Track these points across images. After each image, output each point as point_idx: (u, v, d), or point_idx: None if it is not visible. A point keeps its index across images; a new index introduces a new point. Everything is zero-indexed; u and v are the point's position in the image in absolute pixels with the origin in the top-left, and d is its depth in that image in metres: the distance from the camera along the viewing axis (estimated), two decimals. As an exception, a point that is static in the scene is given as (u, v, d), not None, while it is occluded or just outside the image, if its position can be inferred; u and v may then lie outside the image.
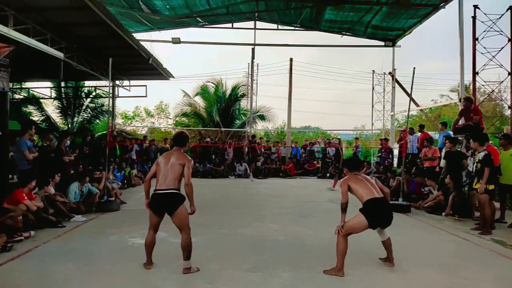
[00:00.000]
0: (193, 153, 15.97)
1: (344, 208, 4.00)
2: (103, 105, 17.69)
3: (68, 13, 7.98)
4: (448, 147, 7.71)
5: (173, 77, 14.83)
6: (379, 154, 13.59)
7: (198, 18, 16.28)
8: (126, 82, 14.94)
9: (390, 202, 8.27)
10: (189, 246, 3.88)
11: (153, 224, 3.99)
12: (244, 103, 20.57)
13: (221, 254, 4.59)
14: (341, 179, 4.25)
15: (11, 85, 13.40)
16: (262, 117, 20.64)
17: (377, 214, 3.88)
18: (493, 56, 11.23)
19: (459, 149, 8.21)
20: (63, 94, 17.34)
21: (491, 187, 5.91)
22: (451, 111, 22.72)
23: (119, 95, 15.73)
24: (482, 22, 11.24)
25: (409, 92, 9.09)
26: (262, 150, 15.39)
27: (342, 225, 3.92)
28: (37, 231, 5.38)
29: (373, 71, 18.86)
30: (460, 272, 4.09)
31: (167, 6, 14.40)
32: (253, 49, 17.21)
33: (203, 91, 20.97)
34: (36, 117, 17.04)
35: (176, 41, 16.14)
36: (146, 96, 15.27)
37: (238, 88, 20.37)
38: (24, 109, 16.76)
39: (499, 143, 6.92)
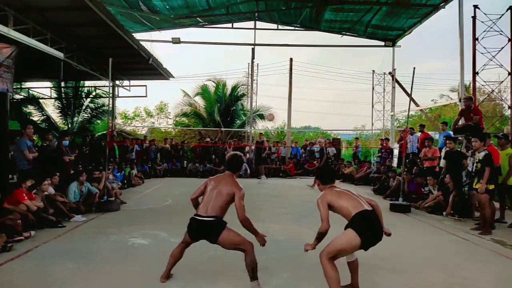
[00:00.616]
0: (193, 153, 15.97)
1: (320, 237, 3.21)
2: (103, 105, 17.69)
3: (68, 13, 7.97)
4: (451, 147, 7.70)
5: (173, 77, 14.83)
6: (379, 154, 13.59)
7: (198, 18, 16.28)
8: (126, 82, 14.94)
9: (390, 202, 8.27)
10: (252, 263, 3.42)
11: (185, 241, 3.71)
12: (244, 103, 20.59)
13: (221, 254, 4.58)
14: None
15: (11, 85, 13.41)
16: (261, 117, 20.65)
17: (371, 231, 3.09)
18: (493, 56, 11.22)
19: (459, 149, 8.22)
20: (63, 94, 17.35)
21: (491, 187, 5.91)
22: (451, 111, 22.72)
23: (119, 95, 15.74)
24: (482, 22, 11.24)
25: (409, 92, 9.09)
26: (267, 150, 15.28)
27: (311, 249, 3.30)
28: (37, 231, 5.38)
29: (373, 71, 18.87)
30: (460, 272, 4.09)
31: (167, 6, 14.40)
32: (253, 49, 17.21)
33: (203, 91, 20.99)
34: (36, 117, 17.06)
35: (176, 41, 16.14)
36: (146, 96, 15.28)
37: (238, 87, 20.39)
38: (24, 109, 16.76)
39: (498, 143, 6.91)
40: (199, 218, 3.49)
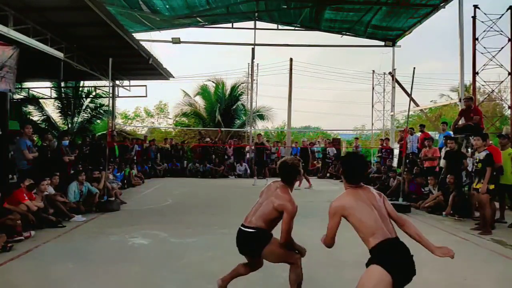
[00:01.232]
0: (193, 153, 15.98)
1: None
2: (103, 105, 17.70)
3: (68, 13, 7.97)
4: (452, 147, 7.70)
5: (173, 77, 14.83)
6: (379, 154, 13.59)
7: (198, 18, 16.28)
8: (126, 82, 14.94)
9: (390, 202, 8.30)
10: (298, 278, 3.03)
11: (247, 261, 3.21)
12: (244, 103, 20.59)
13: (221, 254, 4.58)
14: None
15: (11, 85, 13.41)
16: (261, 117, 20.65)
17: (402, 267, 2.38)
18: (493, 56, 11.22)
19: (460, 145, 8.21)
20: (63, 94, 17.34)
21: (491, 186, 5.91)
22: (451, 111, 22.72)
23: (119, 95, 15.74)
24: (482, 22, 11.23)
25: (409, 92, 9.10)
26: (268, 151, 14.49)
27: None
28: (37, 231, 5.38)
29: (373, 71, 18.87)
30: (460, 272, 4.08)
31: (167, 6, 14.39)
32: (253, 49, 17.21)
33: (203, 91, 20.99)
34: (36, 117, 17.05)
35: (176, 41, 16.14)
36: (146, 96, 15.28)
37: (238, 87, 20.39)
38: (24, 109, 16.76)
39: (500, 142, 6.90)
40: (243, 228, 3.10)
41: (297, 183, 3.42)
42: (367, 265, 2.40)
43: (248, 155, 15.86)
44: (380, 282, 2.25)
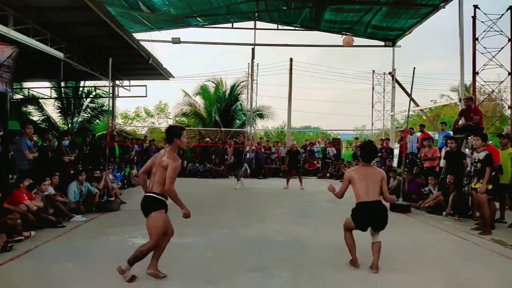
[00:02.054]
0: (193, 153, 15.97)
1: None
2: (103, 105, 17.69)
3: (68, 13, 7.97)
4: (452, 147, 7.70)
5: (173, 77, 14.82)
6: (379, 154, 13.57)
7: (198, 18, 16.27)
8: (126, 82, 14.94)
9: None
10: (140, 254, 3.53)
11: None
12: (244, 103, 20.59)
13: (221, 254, 4.59)
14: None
15: (11, 85, 13.41)
16: (261, 116, 20.64)
17: (363, 219, 3.92)
18: (493, 56, 11.22)
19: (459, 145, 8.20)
20: (63, 94, 17.34)
21: (489, 186, 5.92)
22: (451, 111, 22.72)
23: (119, 95, 15.74)
24: (482, 22, 11.23)
25: (409, 92, 9.10)
26: (247, 151, 13.37)
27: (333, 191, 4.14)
28: (37, 231, 5.38)
29: (373, 71, 18.91)
30: (460, 272, 4.09)
31: (167, 6, 14.39)
32: (253, 49, 17.20)
33: (203, 91, 20.99)
34: (36, 117, 17.03)
35: (176, 41, 16.12)
36: (146, 96, 15.28)
37: (237, 86, 20.38)
38: (24, 109, 16.76)
39: (501, 142, 6.91)
40: (145, 194, 3.63)
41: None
42: (351, 211, 4.07)
43: (248, 155, 15.87)
44: (349, 223, 4.05)
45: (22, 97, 16.15)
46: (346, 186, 4.02)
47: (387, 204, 4.25)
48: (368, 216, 3.90)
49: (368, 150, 4.06)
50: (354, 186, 3.95)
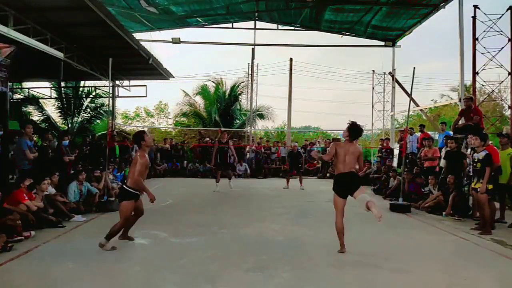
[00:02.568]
0: (193, 153, 15.97)
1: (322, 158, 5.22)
2: (103, 105, 17.70)
3: (68, 13, 7.97)
4: (452, 147, 7.70)
5: (173, 77, 14.82)
6: (380, 154, 13.58)
7: (198, 18, 16.27)
8: (126, 82, 14.94)
9: (390, 202, 8.39)
10: (114, 231, 4.67)
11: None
12: (244, 103, 20.60)
13: (221, 254, 4.59)
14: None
15: (10, 85, 13.42)
16: (261, 116, 20.64)
17: (341, 186, 4.63)
18: (493, 56, 11.21)
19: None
20: (63, 94, 17.34)
21: (490, 186, 5.92)
22: (451, 111, 22.72)
23: (119, 95, 15.74)
24: (482, 22, 11.23)
25: (409, 92, 9.10)
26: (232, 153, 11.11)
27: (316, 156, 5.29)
28: (37, 231, 5.38)
29: (373, 71, 18.86)
30: (460, 272, 4.09)
31: (167, 6, 14.38)
32: (253, 49, 17.21)
33: (203, 91, 20.99)
34: (36, 117, 17.05)
35: (176, 41, 16.13)
36: (146, 96, 15.28)
37: (237, 86, 20.38)
38: (24, 109, 16.76)
39: (500, 142, 6.90)
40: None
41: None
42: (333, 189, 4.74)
43: (248, 155, 15.86)
44: (334, 198, 4.71)
45: (22, 97, 16.15)
46: (333, 152, 4.68)
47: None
48: (343, 183, 4.62)
49: (354, 130, 4.74)
50: (336, 158, 4.66)
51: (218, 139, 10.96)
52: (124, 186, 4.69)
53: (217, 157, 10.35)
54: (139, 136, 4.84)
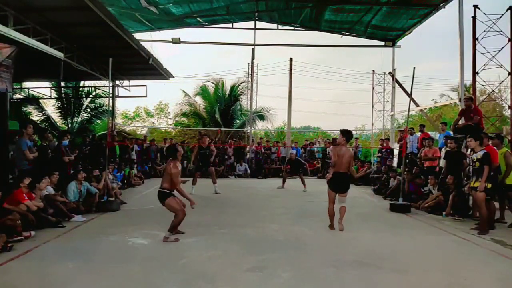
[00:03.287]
0: (192, 153, 15.94)
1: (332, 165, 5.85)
2: (103, 105, 17.70)
3: (68, 13, 7.97)
4: (452, 147, 7.70)
5: (173, 77, 14.81)
6: (380, 154, 13.58)
7: (198, 18, 16.27)
8: (126, 82, 14.93)
9: (390, 202, 8.42)
10: (176, 223, 5.17)
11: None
12: (244, 103, 20.60)
13: (221, 254, 4.59)
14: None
15: (11, 85, 13.41)
16: (261, 117, 20.64)
17: (335, 184, 5.78)
18: (493, 56, 11.21)
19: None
20: (63, 94, 17.34)
21: (489, 185, 5.92)
22: (451, 111, 22.73)
23: (119, 95, 15.73)
24: (482, 22, 11.23)
25: (409, 92, 9.10)
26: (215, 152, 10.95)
27: (328, 176, 5.92)
28: (37, 231, 5.38)
29: (373, 71, 18.87)
30: (460, 272, 4.09)
31: (167, 7, 14.37)
32: (253, 49, 17.22)
33: (202, 91, 21.00)
34: (36, 117, 17.05)
35: (176, 41, 16.12)
36: (146, 96, 15.27)
37: (237, 87, 20.38)
38: (24, 109, 16.77)
39: (492, 143, 6.90)
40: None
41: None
42: (327, 183, 5.88)
43: (248, 155, 15.86)
44: (328, 190, 5.87)
45: (22, 97, 16.15)
46: (336, 154, 5.72)
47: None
48: (337, 181, 5.77)
49: (348, 136, 5.88)
50: (333, 159, 5.72)
51: (199, 143, 10.59)
52: (160, 189, 5.20)
53: (199, 160, 10.17)
54: (174, 149, 5.51)
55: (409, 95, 9.44)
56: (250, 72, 17.93)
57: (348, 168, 5.77)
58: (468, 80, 13.23)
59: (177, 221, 5.12)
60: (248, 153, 15.99)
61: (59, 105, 17.30)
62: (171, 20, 15.67)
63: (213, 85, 20.87)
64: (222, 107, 19.90)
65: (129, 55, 11.03)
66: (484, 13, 11.20)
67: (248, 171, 14.70)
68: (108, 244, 5.02)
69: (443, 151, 8.44)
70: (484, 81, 11.69)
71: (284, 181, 11.55)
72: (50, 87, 16.56)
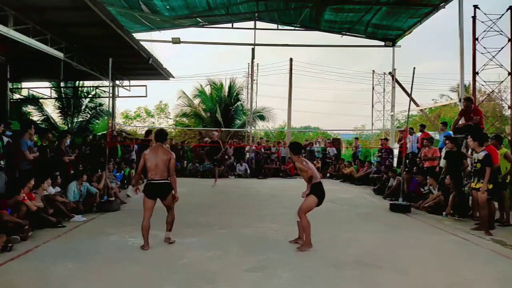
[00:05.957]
0: (193, 153, 15.97)
1: (310, 182, 4.85)
2: (102, 105, 17.70)
3: (68, 13, 7.98)
4: (449, 147, 7.70)
5: (173, 77, 14.83)
6: (379, 154, 13.58)
7: (198, 18, 16.27)
8: (126, 82, 14.94)
9: (390, 202, 8.41)
10: (172, 221, 5.10)
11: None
12: (244, 103, 20.60)
13: (221, 254, 4.59)
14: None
15: (10, 85, 13.43)
16: (261, 117, 20.65)
17: (323, 195, 4.90)
18: (493, 56, 11.21)
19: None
20: (63, 94, 17.35)
21: (490, 186, 5.92)
22: (451, 111, 22.72)
23: (119, 95, 15.74)
24: (482, 22, 11.22)
25: (409, 92, 9.10)
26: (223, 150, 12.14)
27: (307, 193, 4.83)
28: (37, 231, 5.38)
29: (373, 71, 18.89)
30: (460, 272, 4.09)
31: (167, 7, 14.38)
32: (253, 49, 17.22)
33: (202, 92, 21.02)
34: (36, 117, 17.06)
35: (176, 41, 16.12)
36: (146, 96, 15.29)
37: (236, 86, 20.40)
38: (24, 109, 16.77)
39: (491, 143, 6.90)
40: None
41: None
42: (309, 194, 4.81)
43: (248, 155, 15.86)
44: (313, 202, 4.79)
45: (22, 97, 16.15)
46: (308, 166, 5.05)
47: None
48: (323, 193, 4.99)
49: (297, 145, 5.23)
50: (311, 170, 4.87)
51: (199, 144, 11.82)
52: (163, 180, 4.95)
53: (208, 153, 11.16)
54: (166, 132, 5.32)
55: (409, 95, 9.44)
56: (250, 72, 17.93)
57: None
58: (468, 80, 13.25)
59: (172, 218, 5.08)
60: (248, 153, 15.99)
61: (59, 105, 17.31)
62: (171, 21, 15.67)
63: (213, 86, 20.89)
64: (222, 107, 19.91)
65: (129, 55, 11.05)
66: (484, 13, 11.21)
67: (248, 171, 14.71)
68: (108, 244, 5.02)
69: (443, 151, 8.43)
70: (484, 81, 11.70)
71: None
72: (50, 87, 16.57)
